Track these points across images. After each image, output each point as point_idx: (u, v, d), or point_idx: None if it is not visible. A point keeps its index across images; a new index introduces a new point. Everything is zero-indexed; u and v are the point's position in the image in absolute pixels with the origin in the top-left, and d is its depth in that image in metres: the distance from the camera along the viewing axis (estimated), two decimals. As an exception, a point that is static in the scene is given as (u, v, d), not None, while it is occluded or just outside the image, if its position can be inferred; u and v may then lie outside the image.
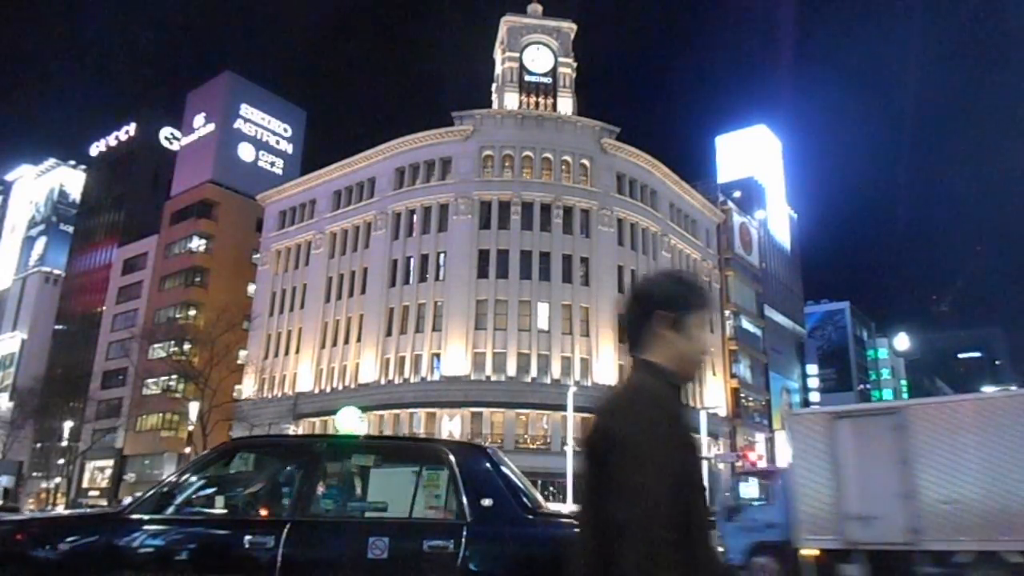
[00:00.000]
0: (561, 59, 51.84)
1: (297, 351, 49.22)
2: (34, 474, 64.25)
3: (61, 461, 57.63)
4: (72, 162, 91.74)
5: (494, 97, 52.91)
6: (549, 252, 43.94)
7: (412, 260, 45.45)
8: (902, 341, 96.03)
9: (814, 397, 68.72)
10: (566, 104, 50.53)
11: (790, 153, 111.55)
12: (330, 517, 4.56)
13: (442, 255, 44.60)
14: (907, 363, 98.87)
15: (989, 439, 10.78)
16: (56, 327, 77.99)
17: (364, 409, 43.25)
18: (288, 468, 4.87)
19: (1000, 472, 10.56)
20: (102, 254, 75.03)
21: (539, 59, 51.73)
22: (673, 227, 50.77)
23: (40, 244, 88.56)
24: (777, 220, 71.79)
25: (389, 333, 44.60)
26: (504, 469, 4.55)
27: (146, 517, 4.40)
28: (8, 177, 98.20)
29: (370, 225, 47.85)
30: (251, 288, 56.08)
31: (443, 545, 4.05)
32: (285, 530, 4.19)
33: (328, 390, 46.06)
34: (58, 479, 58.69)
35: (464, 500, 4.22)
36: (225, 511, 4.82)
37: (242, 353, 51.27)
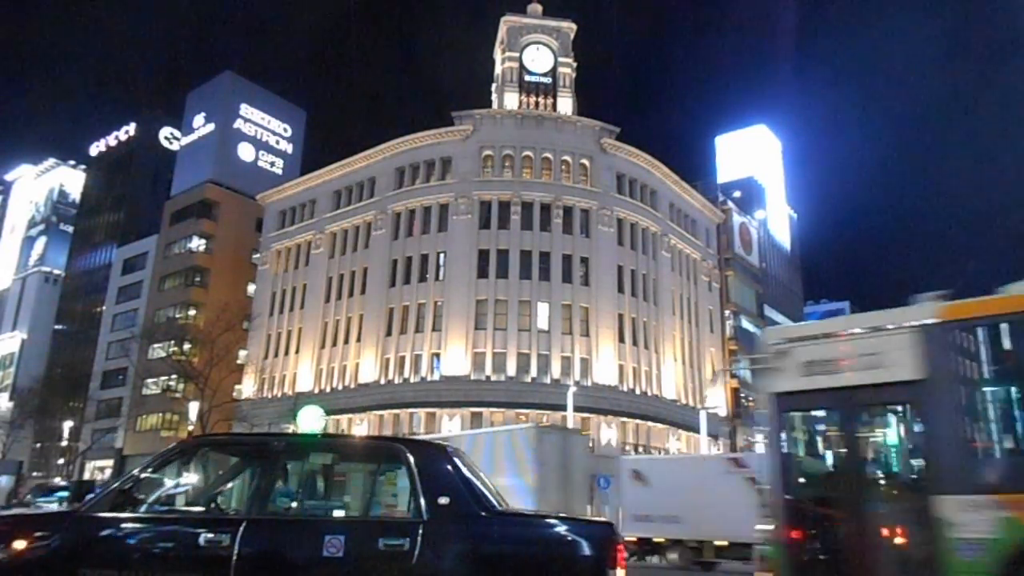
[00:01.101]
0: (561, 59, 51.85)
1: (297, 351, 49.22)
2: (34, 474, 64.22)
3: (61, 461, 57.64)
4: (72, 162, 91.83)
5: (494, 97, 52.93)
6: (549, 252, 43.94)
7: (412, 260, 45.44)
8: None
9: (814, 397, 68.72)
10: (566, 104, 50.54)
11: (790, 153, 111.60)
12: (286, 515, 4.55)
13: (442, 255, 44.60)
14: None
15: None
16: (56, 327, 78.04)
17: (364, 409, 43.45)
18: (247, 466, 4.86)
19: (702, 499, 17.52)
20: (102, 254, 75.06)
21: (539, 59, 51.73)
22: (673, 227, 50.76)
23: (40, 244, 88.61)
24: (777, 220, 71.81)
25: (389, 333, 44.60)
26: (464, 468, 4.59)
27: (103, 515, 4.39)
28: (8, 177, 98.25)
29: (370, 225, 47.86)
30: (251, 288, 56.08)
31: (398, 543, 4.10)
32: (241, 528, 4.21)
33: (328, 390, 46.07)
34: (58, 479, 58.72)
35: (421, 498, 4.26)
36: (183, 508, 4.81)
37: (242, 353, 51.27)
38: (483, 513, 4.28)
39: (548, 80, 51.36)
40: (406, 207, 46.68)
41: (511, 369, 41.60)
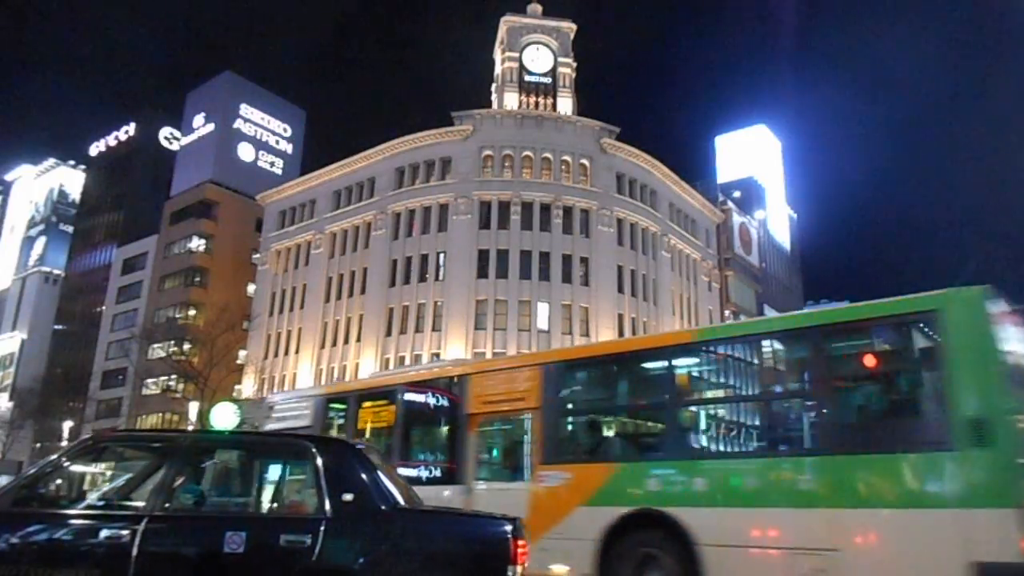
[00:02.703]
0: (561, 59, 51.85)
1: (297, 351, 49.22)
2: (34, 474, 64.22)
3: (61, 461, 57.46)
4: (72, 162, 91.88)
5: (494, 97, 52.93)
6: (549, 252, 43.94)
7: (412, 260, 45.44)
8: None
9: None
10: (566, 104, 50.55)
11: (790, 153, 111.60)
12: (189, 512, 4.56)
13: (442, 255, 44.60)
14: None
15: None
16: (56, 327, 78.05)
17: (364, 409, 43.41)
18: (151, 462, 4.85)
19: None
20: (102, 254, 75.09)
21: (539, 59, 51.74)
22: (673, 227, 50.77)
23: (40, 244, 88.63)
24: (777, 220, 71.83)
25: (389, 333, 44.60)
26: (373, 465, 4.64)
27: (2, 512, 4.38)
28: (8, 177, 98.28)
29: (370, 225, 47.86)
30: (251, 288, 56.09)
31: (299, 539, 4.14)
32: (143, 524, 4.22)
33: (328, 390, 46.03)
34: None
35: (324, 495, 4.31)
36: (85, 505, 4.80)
37: (242, 353, 51.28)
38: (386, 509, 4.36)
39: (548, 80, 51.38)
40: (406, 207, 46.69)
41: (511, 369, 41.55)
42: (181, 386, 50.59)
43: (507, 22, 52.75)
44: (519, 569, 4.24)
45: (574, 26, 52.65)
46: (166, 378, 51.73)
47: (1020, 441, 5.78)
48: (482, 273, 43.35)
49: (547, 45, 52.10)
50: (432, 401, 9.53)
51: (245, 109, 67.69)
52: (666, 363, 7.92)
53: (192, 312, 57.88)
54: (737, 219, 60.15)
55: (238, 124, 67.07)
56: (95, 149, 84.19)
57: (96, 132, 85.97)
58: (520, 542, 4.30)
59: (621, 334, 44.27)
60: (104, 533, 4.23)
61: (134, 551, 4.13)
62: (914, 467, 6.06)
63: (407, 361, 43.29)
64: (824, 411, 6.80)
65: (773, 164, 74.30)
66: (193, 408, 37.62)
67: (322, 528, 4.17)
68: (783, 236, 73.02)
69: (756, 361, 7.59)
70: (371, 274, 46.56)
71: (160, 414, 56.16)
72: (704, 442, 7.85)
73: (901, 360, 7.04)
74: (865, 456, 6.34)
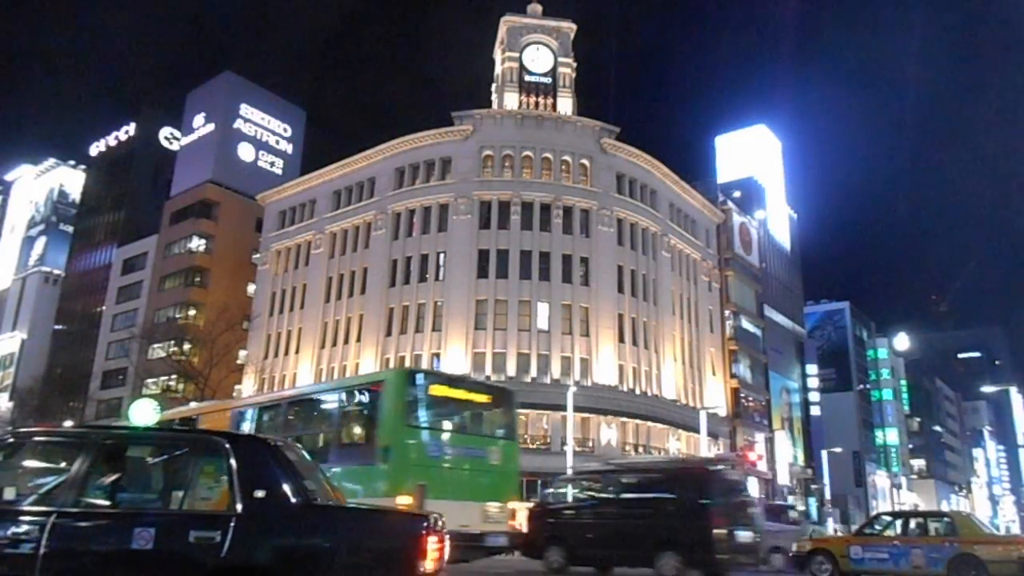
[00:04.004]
0: (561, 59, 51.81)
1: (297, 351, 49.21)
2: (34, 474, 64.23)
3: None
4: (72, 162, 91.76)
5: (494, 97, 52.90)
6: (549, 252, 43.93)
7: (412, 260, 45.44)
8: (902, 341, 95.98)
9: (814, 397, 68.73)
10: (566, 104, 50.52)
11: (790, 153, 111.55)
12: (98, 508, 4.54)
13: (442, 255, 44.59)
14: (907, 363, 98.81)
15: None
16: (56, 327, 78.00)
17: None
18: (62, 459, 4.82)
19: None
20: (102, 254, 75.05)
21: (539, 59, 51.69)
22: (673, 227, 50.76)
23: (40, 244, 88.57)
24: (777, 220, 71.75)
25: (389, 333, 44.60)
26: (288, 462, 4.65)
27: None
28: (8, 177, 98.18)
29: (370, 225, 47.85)
30: (251, 288, 56.07)
31: (209, 536, 4.14)
32: (50, 521, 4.22)
33: (328, 390, 46.02)
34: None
35: (236, 492, 4.31)
36: None
37: (242, 353, 51.27)
38: (300, 506, 4.38)
39: (548, 80, 51.33)
40: (406, 207, 46.68)
41: (511, 369, 41.59)
42: (181, 386, 50.59)
43: (507, 22, 52.71)
44: (432, 565, 4.28)
45: (574, 26, 52.63)
46: (166, 378, 51.73)
47: (407, 462, 10.82)
48: (482, 273, 43.34)
49: (547, 45, 52.06)
50: None
51: (245, 109, 67.67)
52: (277, 408, 14.37)
53: (192, 312, 57.87)
54: (737, 219, 60.10)
55: (238, 124, 67.04)
56: (95, 149, 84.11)
57: (96, 132, 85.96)
58: (433, 538, 4.34)
59: (621, 334, 44.29)
60: (10, 530, 4.22)
61: (41, 549, 4.13)
62: (366, 474, 10.87)
63: (407, 361, 43.31)
64: (331, 440, 12.30)
65: (773, 164, 74.19)
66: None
67: (232, 525, 4.17)
68: (783, 236, 72.94)
69: (309, 410, 13.85)
70: (371, 274, 46.55)
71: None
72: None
73: (363, 410, 12.16)
74: (348, 468, 11.08)
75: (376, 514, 5.09)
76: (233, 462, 4.44)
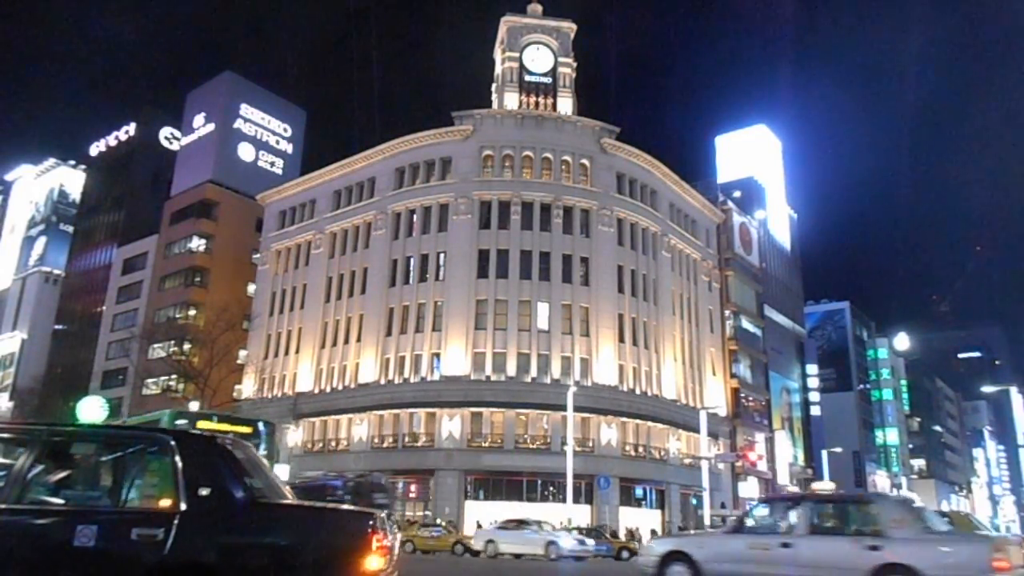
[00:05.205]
0: (561, 59, 51.79)
1: (297, 351, 49.20)
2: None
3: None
4: (72, 162, 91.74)
5: (494, 97, 52.88)
6: (549, 252, 43.92)
7: (412, 260, 45.43)
8: (902, 341, 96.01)
9: (814, 397, 68.75)
10: (566, 104, 50.50)
11: (790, 153, 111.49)
12: (40, 505, 4.52)
13: (442, 255, 44.57)
14: (907, 363, 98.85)
15: None
16: (56, 327, 78.01)
17: (364, 409, 43.44)
18: (5, 455, 4.80)
19: None
20: (102, 254, 75.06)
21: (539, 59, 51.66)
22: (673, 227, 50.75)
23: (40, 244, 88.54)
24: (777, 220, 71.77)
25: (389, 333, 44.59)
26: (235, 460, 4.65)
27: None
28: (8, 177, 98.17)
29: (370, 225, 47.84)
30: (251, 288, 56.07)
31: (152, 533, 4.16)
32: None
33: (328, 390, 46.08)
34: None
35: (180, 489, 4.32)
36: None
37: (242, 353, 51.27)
38: (245, 504, 4.38)
39: (548, 80, 51.30)
40: (406, 207, 46.67)
41: (511, 369, 41.59)
42: (181, 386, 50.60)
43: (507, 22, 52.68)
44: (376, 561, 4.30)
45: (574, 26, 52.60)
46: (166, 378, 51.73)
47: None
48: (482, 273, 43.33)
49: (547, 45, 52.03)
50: None
51: (245, 109, 67.65)
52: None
53: (192, 312, 57.87)
54: (737, 219, 60.10)
55: (238, 124, 67.03)
56: (95, 149, 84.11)
57: (96, 132, 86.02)
58: (378, 536, 4.36)
59: (621, 334, 44.29)
60: None
61: None
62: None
63: (407, 361, 43.32)
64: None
65: (773, 164, 74.21)
66: (193, 408, 37.60)
67: (176, 523, 4.19)
68: (783, 236, 72.95)
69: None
70: (371, 274, 46.55)
71: (160, 414, 56.16)
72: None
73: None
74: None
75: (322, 512, 5.10)
76: (178, 459, 4.44)
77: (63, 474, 4.85)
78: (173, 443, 4.57)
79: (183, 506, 4.27)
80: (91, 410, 20.77)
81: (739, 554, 9.17)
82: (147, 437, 5.23)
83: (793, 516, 9.39)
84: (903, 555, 7.90)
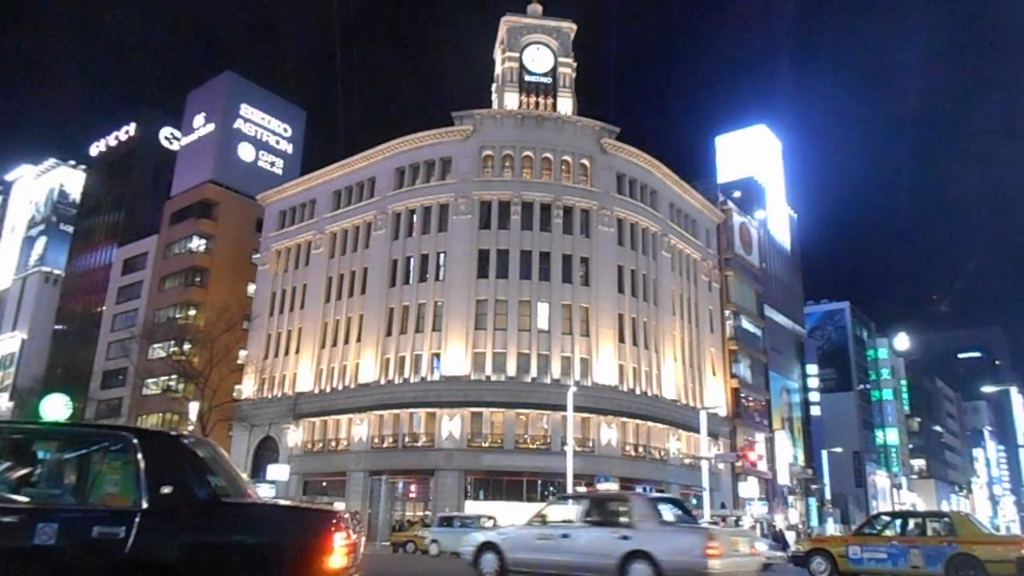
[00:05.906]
0: (561, 59, 51.78)
1: (297, 351, 49.20)
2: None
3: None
4: (72, 162, 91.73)
5: (494, 97, 52.88)
6: (549, 252, 43.92)
7: (412, 260, 45.43)
8: (902, 341, 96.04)
9: (814, 397, 68.75)
10: (566, 104, 50.50)
11: (790, 153, 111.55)
12: (0, 503, 4.52)
13: (442, 255, 44.58)
14: (907, 363, 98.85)
15: None
16: (56, 327, 78.01)
17: (364, 409, 43.44)
18: None
19: None
20: (102, 254, 75.05)
21: (539, 59, 51.66)
22: (673, 227, 50.75)
23: (40, 244, 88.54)
24: (777, 220, 71.81)
25: (389, 333, 44.59)
26: (198, 458, 4.65)
27: None
28: (8, 177, 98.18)
29: (370, 225, 47.84)
30: (251, 288, 56.05)
31: (113, 532, 4.17)
32: None
33: (328, 390, 46.08)
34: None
35: (141, 487, 4.34)
36: None
37: (242, 353, 51.24)
38: (206, 502, 4.39)
39: (548, 80, 51.29)
40: (406, 207, 46.67)
41: (511, 369, 41.60)
42: (181, 386, 50.59)
43: (507, 22, 52.67)
44: (341, 560, 4.30)
45: (574, 26, 52.59)
46: (166, 378, 51.70)
47: None
48: (482, 273, 43.33)
49: (547, 45, 52.02)
50: None
51: (245, 109, 67.65)
52: None
53: (192, 312, 57.87)
54: (737, 219, 60.12)
55: (238, 124, 67.02)
56: (95, 149, 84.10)
57: (96, 132, 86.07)
58: (341, 535, 4.36)
59: (621, 334, 44.29)
60: None
61: None
62: None
63: (407, 361, 43.32)
64: None
65: (773, 164, 74.25)
66: (193, 408, 37.61)
67: (137, 521, 4.19)
68: (783, 236, 72.98)
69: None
70: (371, 274, 46.55)
71: (160, 414, 56.18)
72: None
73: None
74: None
75: (284, 510, 5.10)
76: (140, 457, 4.45)
77: (23, 472, 4.84)
78: (135, 441, 4.57)
79: (144, 504, 4.28)
80: (55, 408, 20.70)
81: (531, 543, 10.94)
82: (109, 435, 5.19)
83: (573, 511, 11.38)
84: (644, 543, 9.60)
